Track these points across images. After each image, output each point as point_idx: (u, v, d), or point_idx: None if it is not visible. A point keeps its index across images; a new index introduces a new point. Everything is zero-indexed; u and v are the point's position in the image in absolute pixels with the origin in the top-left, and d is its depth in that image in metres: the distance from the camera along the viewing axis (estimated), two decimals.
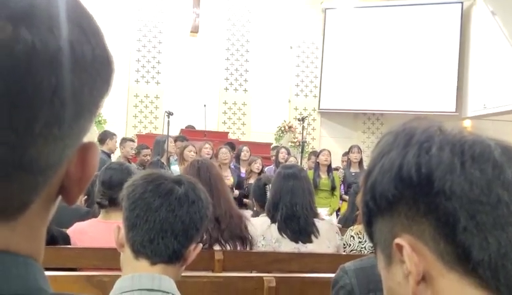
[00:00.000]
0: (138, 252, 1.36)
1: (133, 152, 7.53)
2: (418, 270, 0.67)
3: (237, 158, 7.97)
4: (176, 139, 7.97)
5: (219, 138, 9.61)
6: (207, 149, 7.22)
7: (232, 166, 7.56)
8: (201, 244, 1.48)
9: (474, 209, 0.64)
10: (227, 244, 2.78)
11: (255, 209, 4.25)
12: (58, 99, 0.45)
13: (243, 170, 7.65)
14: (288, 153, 8.36)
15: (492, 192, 0.65)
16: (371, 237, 0.77)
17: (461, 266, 0.66)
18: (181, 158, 6.81)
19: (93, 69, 0.48)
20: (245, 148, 8.05)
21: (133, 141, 7.85)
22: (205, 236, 2.66)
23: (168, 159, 7.19)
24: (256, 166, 7.31)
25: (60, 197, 0.53)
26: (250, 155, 7.89)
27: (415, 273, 0.67)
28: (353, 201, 5.00)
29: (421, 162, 0.67)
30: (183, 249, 1.38)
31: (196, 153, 6.89)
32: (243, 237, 2.84)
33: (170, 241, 1.35)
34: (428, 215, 0.66)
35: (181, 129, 10.08)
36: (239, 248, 2.81)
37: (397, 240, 0.69)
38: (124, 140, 7.49)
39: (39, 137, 0.45)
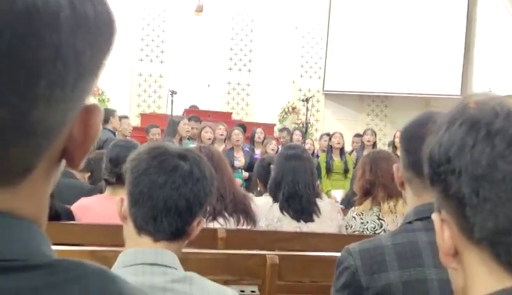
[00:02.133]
0: (140, 228, 1.36)
1: (130, 129, 7.51)
2: (447, 244, 0.72)
3: (252, 140, 7.98)
4: (190, 119, 7.96)
5: (223, 119, 9.60)
6: (220, 130, 7.25)
7: (247, 149, 7.57)
8: (204, 219, 1.48)
9: (478, 185, 0.66)
10: (231, 218, 2.80)
11: (258, 189, 4.27)
12: (60, 60, 0.44)
13: (257, 152, 7.66)
14: (302, 136, 8.37)
15: (497, 168, 0.66)
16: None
17: (475, 240, 0.69)
18: (199, 140, 6.84)
19: (95, 28, 0.47)
20: (259, 130, 8.08)
21: (126, 117, 7.82)
22: (208, 209, 2.66)
23: (180, 140, 7.16)
24: (272, 147, 7.35)
25: (63, 162, 0.53)
26: (265, 136, 7.90)
27: (443, 247, 0.73)
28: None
29: (442, 141, 0.70)
30: (186, 226, 1.38)
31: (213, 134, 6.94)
32: (247, 211, 2.86)
33: (174, 219, 1.34)
34: (449, 191, 0.70)
35: (185, 109, 10.06)
36: (242, 222, 2.83)
37: (433, 216, 0.75)
38: (119, 118, 7.46)
39: (41, 99, 0.44)
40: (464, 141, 0.68)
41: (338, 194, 6.45)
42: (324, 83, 12.74)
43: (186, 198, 1.34)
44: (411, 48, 11.98)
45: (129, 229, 1.39)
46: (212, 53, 12.11)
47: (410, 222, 1.42)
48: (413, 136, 1.41)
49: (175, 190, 1.33)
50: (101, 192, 3.23)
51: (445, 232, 0.72)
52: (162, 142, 1.44)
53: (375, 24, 12.22)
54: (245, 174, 6.97)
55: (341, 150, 7.47)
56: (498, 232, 0.66)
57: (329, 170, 7.18)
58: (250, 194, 3.57)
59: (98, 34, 0.48)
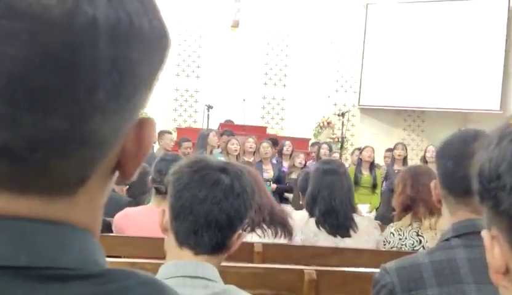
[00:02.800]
0: (181, 242, 1.37)
1: (172, 144, 7.62)
2: (498, 261, 0.70)
3: (280, 153, 8.01)
4: (222, 134, 8.03)
5: (257, 133, 9.62)
6: (250, 143, 7.29)
7: (275, 161, 7.60)
8: (245, 233, 1.48)
9: None
10: (268, 229, 2.80)
11: (300, 202, 4.26)
12: (117, 71, 0.45)
13: (285, 165, 7.67)
14: (330, 150, 8.35)
15: None
16: None
17: None
18: (226, 152, 6.90)
19: (150, 41, 0.48)
20: (287, 143, 8.10)
21: (170, 133, 7.95)
22: (247, 220, 2.67)
23: (211, 152, 7.25)
24: (299, 160, 7.37)
25: (116, 173, 0.54)
26: (293, 150, 7.91)
27: (493, 264, 0.71)
28: (388, 199, 4.94)
29: (492, 157, 0.68)
30: (226, 240, 1.38)
31: (240, 146, 6.99)
32: (284, 223, 2.86)
33: (214, 233, 1.35)
34: (500, 208, 0.67)
35: (220, 124, 10.13)
36: (280, 234, 2.82)
37: (483, 233, 0.73)
38: (162, 133, 7.60)
39: (98, 110, 0.45)
40: None
41: (364, 208, 6.39)
42: (359, 98, 12.66)
43: (227, 213, 1.35)
44: (448, 62, 11.82)
45: (170, 241, 1.40)
46: (247, 68, 12.19)
47: (447, 239, 1.40)
48: (449, 154, 1.40)
49: (215, 205, 1.34)
50: (137, 205, 3.28)
51: (495, 249, 0.70)
52: (203, 156, 1.46)
53: (412, 38, 12.10)
54: (273, 186, 7.00)
55: (371, 165, 7.39)
56: None
57: (357, 184, 7.10)
58: (287, 207, 3.57)
59: (152, 47, 0.49)
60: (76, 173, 0.48)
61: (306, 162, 7.60)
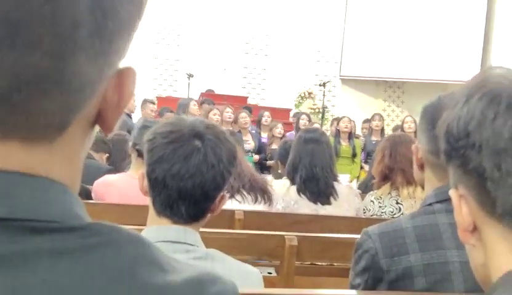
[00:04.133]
0: (159, 212, 1.36)
1: (153, 114, 7.56)
2: (465, 220, 0.71)
3: (258, 123, 7.99)
4: (202, 102, 7.97)
5: (238, 103, 9.59)
6: (228, 113, 7.27)
7: (253, 131, 7.58)
8: (228, 194, 1.46)
9: (499, 159, 0.65)
10: (248, 195, 2.81)
11: (279, 171, 4.28)
12: (99, 9, 0.43)
13: (264, 135, 7.67)
14: (309, 120, 8.36)
15: None
16: None
17: (497, 215, 0.67)
18: None
19: None
20: (266, 113, 8.07)
21: (153, 102, 7.88)
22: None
23: None
24: (278, 130, 7.35)
25: (96, 126, 0.53)
26: (272, 120, 7.89)
27: (461, 223, 0.71)
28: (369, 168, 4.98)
29: (460, 115, 0.69)
30: (205, 210, 1.37)
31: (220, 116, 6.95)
32: (264, 189, 2.87)
33: (190, 206, 1.33)
34: (468, 166, 0.68)
35: (201, 93, 10.07)
36: (259, 200, 2.83)
37: (450, 192, 0.74)
38: (145, 101, 7.52)
39: (81, 48, 0.43)
40: (484, 115, 0.66)
41: (345, 178, 6.44)
42: (340, 68, 12.66)
43: (202, 186, 1.32)
44: (428, 33, 11.85)
45: (150, 207, 1.39)
46: (228, 36, 12.08)
47: (429, 204, 1.40)
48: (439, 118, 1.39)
49: (189, 179, 1.30)
50: (118, 172, 3.25)
51: (463, 207, 0.71)
52: (180, 120, 1.39)
53: (392, 9, 12.09)
54: (256, 157, 7.00)
55: (350, 135, 7.43)
56: None
57: (336, 154, 7.15)
58: (268, 177, 3.57)
59: None
60: (55, 117, 0.46)
61: (284, 132, 7.58)
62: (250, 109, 8.55)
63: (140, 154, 2.79)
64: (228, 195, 2.75)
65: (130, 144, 2.86)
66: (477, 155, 0.66)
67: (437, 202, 1.38)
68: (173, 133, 1.35)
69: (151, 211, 1.38)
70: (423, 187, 1.53)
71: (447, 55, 11.65)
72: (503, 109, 0.65)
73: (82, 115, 0.48)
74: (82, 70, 0.45)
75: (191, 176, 1.30)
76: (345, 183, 5.94)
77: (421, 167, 1.48)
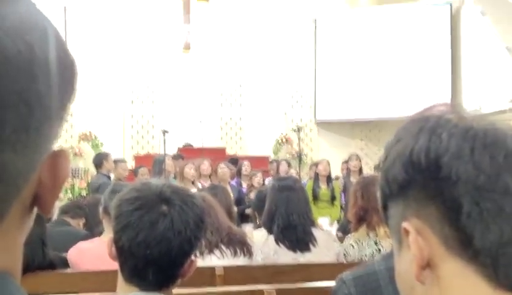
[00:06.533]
0: (127, 280, 1.34)
1: (126, 173, 7.56)
2: (422, 254, 0.68)
3: (239, 173, 7.98)
4: (174, 158, 7.98)
5: (216, 154, 9.61)
6: (205, 166, 7.21)
7: (234, 183, 7.55)
8: (197, 260, 1.44)
9: (479, 196, 0.64)
10: (227, 250, 2.78)
11: (257, 222, 4.26)
12: (24, 104, 0.44)
13: (244, 185, 7.64)
14: (289, 166, 8.38)
15: (499, 180, 0.64)
16: (387, 222, 0.78)
17: (464, 252, 0.65)
18: (181, 177, 6.81)
19: (57, 71, 0.47)
20: (245, 163, 8.08)
21: (124, 161, 7.88)
22: (204, 242, 2.65)
23: (167, 178, 7.19)
24: (257, 180, 7.35)
25: (35, 209, 0.52)
26: (251, 169, 7.89)
27: (419, 257, 0.68)
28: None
29: (430, 147, 0.68)
30: (173, 277, 1.35)
31: (196, 170, 6.91)
32: (243, 242, 2.85)
33: (158, 274, 1.31)
34: (435, 199, 0.66)
35: (179, 148, 10.08)
36: (239, 253, 2.81)
37: (404, 224, 0.70)
38: (115, 162, 7.48)
39: (8, 143, 0.44)
40: (460, 148, 0.65)
41: (325, 221, 6.43)
42: (315, 112, 12.80)
43: (169, 254, 1.30)
44: (398, 71, 12.10)
45: (119, 273, 1.37)
46: (202, 89, 12.19)
47: None
48: None
49: (156, 247, 1.28)
50: (94, 237, 3.21)
51: (420, 242, 0.68)
52: (146, 185, 1.38)
53: (360, 50, 12.35)
54: (235, 209, 6.93)
55: (329, 178, 7.46)
56: (501, 244, 0.64)
57: (316, 198, 7.17)
58: (247, 228, 3.55)
59: (60, 77, 0.48)
60: None
61: (264, 180, 7.57)
62: (236, 160, 8.54)
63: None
64: (206, 251, 2.75)
65: (101, 209, 2.84)
66: (452, 189, 0.65)
67: None
68: (139, 199, 1.33)
69: (120, 278, 1.37)
70: None
71: (418, 91, 11.86)
72: (479, 146, 0.65)
73: (17, 204, 0.48)
74: (11, 163, 0.45)
75: (158, 243, 1.29)
76: (326, 226, 5.94)
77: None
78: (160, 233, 1.29)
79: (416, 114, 0.77)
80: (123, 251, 1.32)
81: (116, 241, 1.33)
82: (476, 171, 0.64)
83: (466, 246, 0.65)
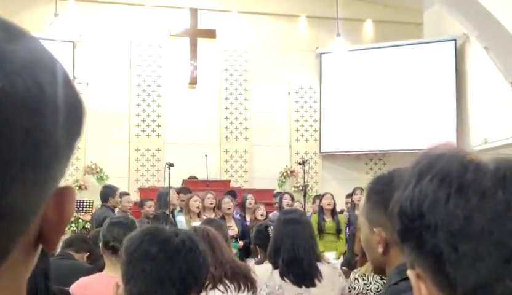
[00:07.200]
0: None
1: (130, 205, 7.58)
2: None
3: (243, 206, 7.95)
4: (179, 191, 7.98)
5: (221, 187, 9.60)
6: (209, 199, 7.22)
7: (237, 216, 7.52)
8: (210, 285, 1.46)
9: (456, 241, 0.65)
10: (231, 285, 2.76)
11: (259, 257, 4.22)
12: (32, 141, 0.45)
13: (248, 218, 7.61)
14: (292, 199, 8.35)
15: (473, 222, 0.64)
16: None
17: None
18: (187, 209, 6.82)
19: (64, 110, 0.48)
20: (249, 196, 8.05)
21: (128, 194, 7.94)
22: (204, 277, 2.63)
23: (172, 211, 7.18)
24: (260, 212, 7.31)
25: (40, 246, 0.53)
26: (256, 202, 7.86)
27: None
28: (352, 244, 4.91)
29: (413, 196, 0.68)
30: None
31: (201, 203, 6.92)
32: (246, 276, 2.82)
33: (168, 291, 1.32)
34: (424, 247, 0.67)
35: (183, 181, 10.08)
36: (243, 288, 2.78)
37: (408, 272, 0.72)
38: (120, 195, 7.55)
39: (15, 181, 0.44)
40: (436, 195, 0.66)
41: (331, 256, 6.37)
42: (320, 145, 12.82)
43: (179, 268, 1.33)
44: (404, 104, 12.13)
45: None
46: (207, 123, 12.26)
47: (395, 283, 1.37)
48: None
49: (168, 261, 1.33)
50: (100, 270, 3.20)
51: (422, 288, 0.70)
52: (156, 226, 1.45)
53: (366, 84, 12.42)
54: (240, 243, 6.91)
55: (333, 211, 7.41)
56: (480, 286, 0.64)
57: (321, 231, 7.11)
58: (251, 263, 3.52)
59: (68, 115, 0.49)
60: None
61: (267, 213, 7.54)
62: (234, 192, 8.54)
63: (114, 251, 2.76)
64: (210, 285, 2.72)
65: (101, 244, 2.83)
66: (433, 237, 0.66)
67: (401, 280, 1.36)
68: (151, 228, 1.44)
69: None
70: (379, 272, 1.50)
71: (423, 123, 11.88)
72: (454, 190, 0.65)
73: (23, 240, 0.49)
74: (18, 201, 0.45)
75: (170, 257, 1.35)
76: (332, 260, 5.89)
77: (387, 248, 1.44)
78: (174, 247, 1.36)
79: (419, 157, 0.77)
80: (135, 271, 1.36)
81: (128, 265, 1.37)
82: (450, 217, 0.65)
83: (455, 290, 0.66)
